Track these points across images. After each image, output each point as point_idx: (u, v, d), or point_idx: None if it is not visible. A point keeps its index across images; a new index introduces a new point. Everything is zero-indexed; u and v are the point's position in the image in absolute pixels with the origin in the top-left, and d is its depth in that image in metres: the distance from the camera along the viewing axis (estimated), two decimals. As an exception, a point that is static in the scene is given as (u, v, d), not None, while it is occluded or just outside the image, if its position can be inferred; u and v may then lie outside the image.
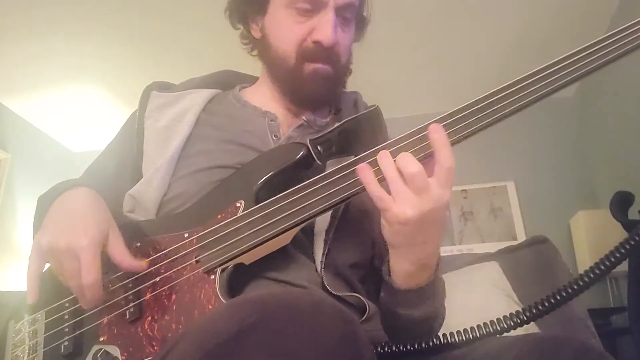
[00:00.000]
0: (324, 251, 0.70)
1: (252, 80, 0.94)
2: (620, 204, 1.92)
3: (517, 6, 2.63)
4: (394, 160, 0.59)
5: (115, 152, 0.87)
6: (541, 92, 0.62)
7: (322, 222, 0.72)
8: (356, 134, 0.74)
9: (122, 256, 0.65)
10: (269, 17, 0.82)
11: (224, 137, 0.80)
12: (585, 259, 2.79)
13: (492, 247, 1.99)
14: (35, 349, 0.70)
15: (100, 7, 2.52)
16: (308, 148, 0.70)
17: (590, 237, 2.77)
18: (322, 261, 0.70)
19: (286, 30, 0.79)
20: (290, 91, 0.83)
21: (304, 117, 0.83)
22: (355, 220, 0.75)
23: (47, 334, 0.70)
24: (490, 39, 2.88)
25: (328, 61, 0.78)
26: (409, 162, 0.58)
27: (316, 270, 0.70)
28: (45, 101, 3.30)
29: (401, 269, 0.64)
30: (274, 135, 0.81)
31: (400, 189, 0.58)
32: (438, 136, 0.59)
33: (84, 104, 3.35)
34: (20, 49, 2.78)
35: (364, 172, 0.60)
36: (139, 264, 0.66)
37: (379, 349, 0.60)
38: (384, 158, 0.59)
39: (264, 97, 0.87)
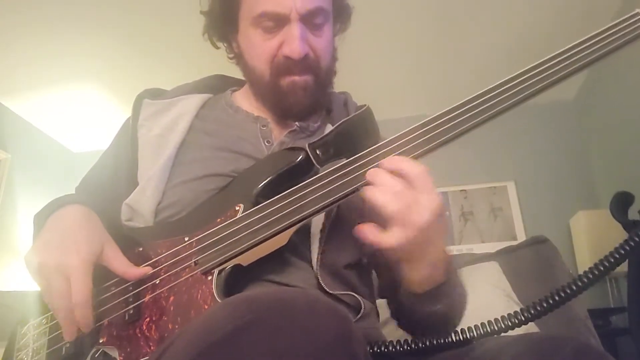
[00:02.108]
0: (319, 251, 0.71)
1: (242, 83, 0.93)
2: (620, 204, 1.92)
3: (518, 6, 2.63)
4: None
5: (110, 161, 0.88)
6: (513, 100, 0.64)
7: (318, 224, 0.72)
8: (352, 135, 0.74)
9: (125, 267, 0.66)
10: (240, 35, 0.83)
11: (217, 144, 0.80)
12: (585, 259, 2.79)
13: (492, 247, 2.00)
14: (38, 352, 0.71)
15: (101, 7, 2.52)
16: (307, 152, 0.70)
17: (590, 237, 2.76)
18: (317, 260, 0.70)
19: (256, 48, 0.79)
20: (273, 105, 0.83)
21: (296, 123, 0.83)
22: (348, 221, 0.75)
23: (51, 336, 0.71)
24: (490, 39, 2.88)
25: (305, 71, 0.78)
26: (407, 165, 0.60)
27: (312, 270, 0.71)
28: (45, 101, 3.30)
29: (417, 277, 0.66)
30: (266, 141, 0.81)
31: (411, 197, 0.59)
32: (387, 162, 0.62)
33: (84, 104, 3.35)
34: (20, 49, 2.79)
35: (379, 197, 0.61)
36: (143, 270, 0.67)
37: (376, 349, 0.60)
38: (381, 174, 0.61)
39: (254, 102, 0.87)
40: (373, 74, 3.16)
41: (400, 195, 0.59)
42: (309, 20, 0.77)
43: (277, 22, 0.76)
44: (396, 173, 0.61)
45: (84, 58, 2.90)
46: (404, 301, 0.71)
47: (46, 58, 2.87)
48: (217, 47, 0.89)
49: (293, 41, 0.75)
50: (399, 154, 0.63)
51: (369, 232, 0.61)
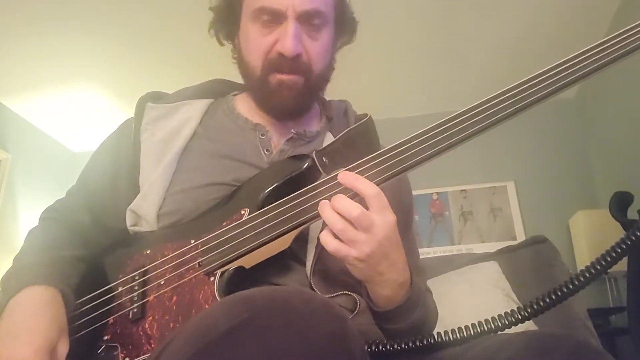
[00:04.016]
0: (314, 257, 0.72)
1: (243, 87, 0.93)
2: (619, 203, 1.93)
3: (519, 6, 2.63)
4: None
5: (110, 163, 0.87)
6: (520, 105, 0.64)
7: (315, 231, 0.73)
8: (358, 143, 0.75)
9: None
10: (240, 32, 0.83)
11: (219, 150, 0.81)
12: (584, 259, 2.79)
13: (492, 247, 1.99)
14: None
15: (102, 6, 2.52)
16: (314, 159, 0.71)
17: (589, 237, 2.77)
18: (311, 266, 0.71)
19: (253, 43, 0.80)
20: (262, 103, 0.84)
21: (292, 130, 0.83)
22: None
23: None
24: (491, 39, 2.88)
25: (296, 71, 0.78)
26: (349, 206, 0.61)
27: (306, 275, 0.72)
28: (45, 101, 3.30)
29: (380, 295, 0.68)
30: (266, 150, 0.82)
31: (351, 235, 0.61)
32: (344, 179, 0.63)
33: (84, 104, 3.35)
34: (20, 49, 2.79)
35: (323, 237, 0.63)
36: None
37: (373, 348, 0.60)
38: (327, 212, 0.62)
39: (253, 107, 0.87)
40: (373, 74, 3.16)
41: (353, 221, 0.61)
42: (306, 20, 0.77)
43: (274, 17, 0.76)
44: (353, 191, 0.63)
45: (84, 58, 2.90)
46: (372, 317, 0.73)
47: (46, 58, 2.87)
48: (222, 44, 0.89)
49: (287, 39, 0.75)
50: (401, 160, 0.64)
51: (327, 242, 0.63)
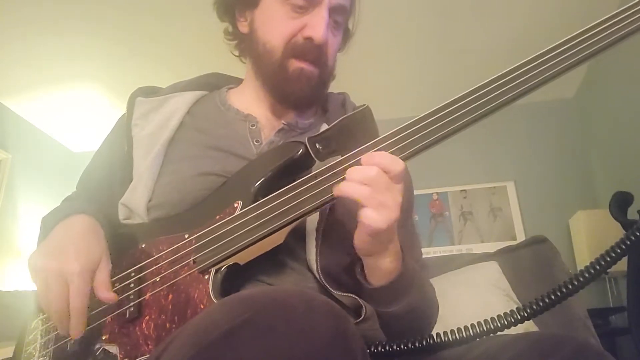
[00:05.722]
0: (316, 251, 0.70)
1: (239, 82, 0.93)
2: (620, 203, 1.92)
3: (518, 6, 2.63)
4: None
5: (105, 160, 0.88)
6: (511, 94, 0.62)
7: (312, 223, 0.71)
8: (353, 131, 0.73)
9: (102, 288, 0.67)
10: (259, 11, 0.82)
11: (207, 141, 0.80)
12: (584, 259, 2.80)
13: (492, 247, 1.99)
14: (46, 346, 0.72)
15: (102, 7, 2.52)
16: (306, 146, 0.69)
17: (589, 237, 2.77)
18: (316, 261, 0.69)
19: (278, 24, 0.79)
20: (274, 88, 0.82)
21: (283, 121, 0.83)
22: (343, 222, 0.73)
23: (58, 331, 0.71)
24: (491, 39, 2.88)
25: (315, 61, 0.78)
26: (367, 171, 0.59)
27: (309, 270, 0.70)
28: (45, 101, 3.30)
29: (378, 268, 0.66)
30: (255, 141, 0.81)
31: (380, 198, 0.59)
32: (365, 159, 0.61)
33: (84, 104, 3.35)
34: (21, 49, 2.79)
35: (365, 213, 0.60)
36: (112, 297, 0.67)
37: (372, 349, 0.60)
38: (346, 186, 0.60)
39: (247, 99, 0.87)
40: (373, 74, 3.16)
41: (373, 184, 0.59)
42: (333, 14, 0.79)
43: (309, 2, 0.77)
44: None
45: (84, 58, 2.90)
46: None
47: (46, 58, 2.87)
48: (223, 21, 0.89)
49: (320, 24, 0.76)
50: (392, 152, 0.62)
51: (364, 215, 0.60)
